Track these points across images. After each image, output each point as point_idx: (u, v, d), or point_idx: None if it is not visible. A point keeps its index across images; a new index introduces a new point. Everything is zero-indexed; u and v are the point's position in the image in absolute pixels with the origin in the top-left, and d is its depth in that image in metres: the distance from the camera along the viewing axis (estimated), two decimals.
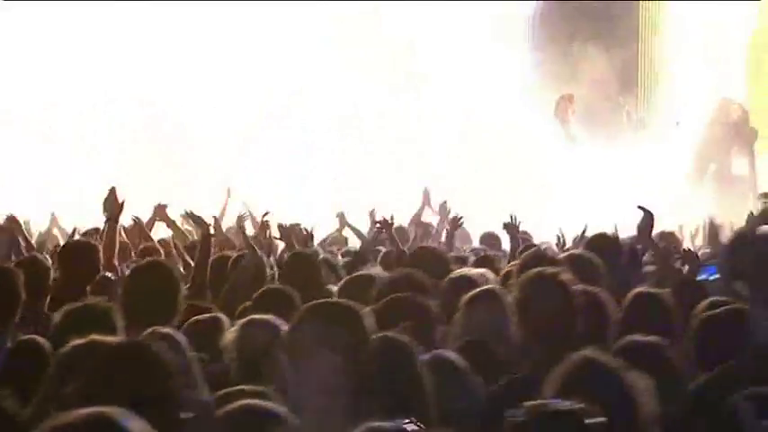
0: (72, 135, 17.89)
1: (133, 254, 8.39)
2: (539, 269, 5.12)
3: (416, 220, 10.74)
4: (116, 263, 7.33)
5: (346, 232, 11.46)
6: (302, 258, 7.17)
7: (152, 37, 18.07)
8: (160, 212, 10.80)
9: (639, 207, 7.67)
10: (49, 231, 11.84)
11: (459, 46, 17.80)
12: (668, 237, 9.08)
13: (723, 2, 17.81)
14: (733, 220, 9.73)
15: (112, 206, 7.11)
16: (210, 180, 16.98)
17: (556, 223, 9.78)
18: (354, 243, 10.81)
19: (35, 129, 17.82)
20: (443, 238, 9.78)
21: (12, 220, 8.60)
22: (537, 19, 18.30)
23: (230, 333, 4.45)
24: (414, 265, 6.38)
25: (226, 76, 18.14)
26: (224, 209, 11.64)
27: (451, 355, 4.29)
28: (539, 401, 3.07)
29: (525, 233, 9.35)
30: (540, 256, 6.49)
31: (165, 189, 15.66)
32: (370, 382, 3.58)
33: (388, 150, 17.54)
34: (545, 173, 16.41)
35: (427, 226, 11.01)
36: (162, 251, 8.41)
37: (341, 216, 11.35)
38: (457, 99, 17.85)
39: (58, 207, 14.63)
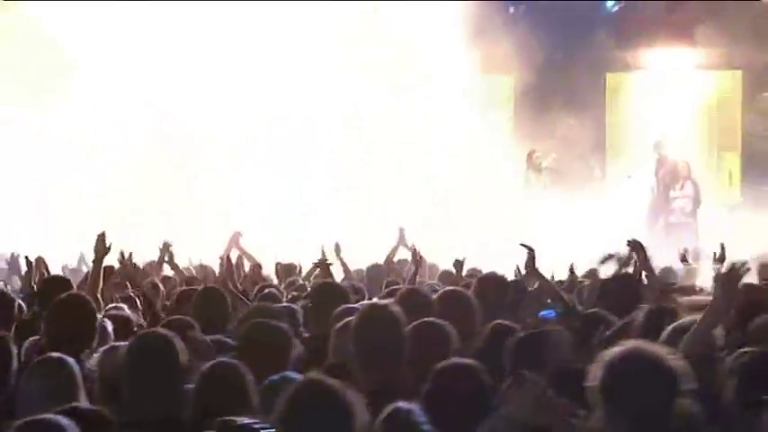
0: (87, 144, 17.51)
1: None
2: (372, 302, 5.75)
3: (389, 258, 10.67)
4: (99, 297, 7.68)
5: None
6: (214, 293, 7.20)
7: (156, 43, 17.67)
8: (235, 240, 11.10)
9: (522, 244, 7.81)
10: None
11: (450, 105, 17.73)
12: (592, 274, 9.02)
13: (677, 74, 18.55)
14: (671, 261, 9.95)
15: (99, 249, 7.35)
16: (217, 180, 17.05)
17: (519, 260, 9.32)
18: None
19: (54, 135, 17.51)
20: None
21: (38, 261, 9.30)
22: (518, 86, 18.78)
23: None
24: (315, 298, 6.66)
25: (229, 80, 17.76)
26: (228, 250, 11.08)
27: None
28: (227, 418, 3.71)
29: (476, 270, 9.25)
30: (415, 292, 6.62)
31: (178, 193, 16.42)
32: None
33: (374, 192, 16.92)
34: (516, 216, 16.14)
35: (399, 263, 10.93)
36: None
37: (336, 247, 10.89)
38: (444, 148, 17.63)
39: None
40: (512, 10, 18.46)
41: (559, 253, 10.91)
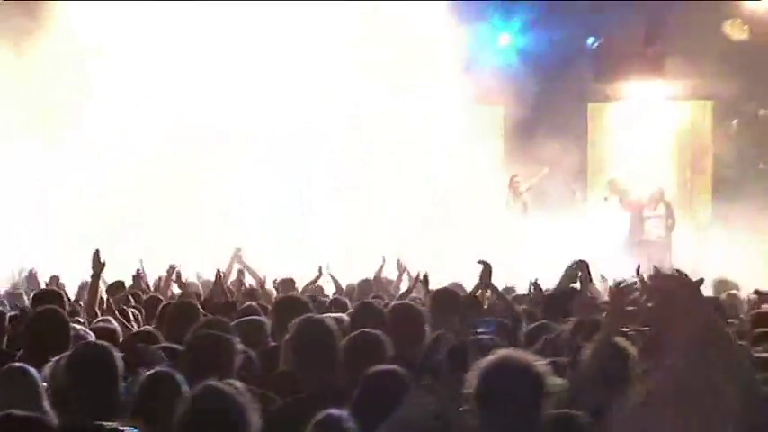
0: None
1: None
2: (307, 315, 5.75)
3: (377, 275, 10.66)
4: (96, 310, 7.87)
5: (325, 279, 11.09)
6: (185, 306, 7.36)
7: (161, 47, 17.67)
8: (238, 259, 11.18)
9: (479, 261, 8.03)
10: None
11: (443, 132, 18.01)
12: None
13: (653, 104, 18.89)
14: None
15: (96, 266, 7.55)
16: (219, 180, 17.12)
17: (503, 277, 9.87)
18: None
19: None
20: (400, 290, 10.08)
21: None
22: (507, 116, 19.13)
23: None
24: (276, 310, 6.84)
25: (232, 82, 17.69)
26: (230, 267, 11.23)
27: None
28: (97, 423, 3.98)
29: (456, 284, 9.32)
30: (368, 305, 6.89)
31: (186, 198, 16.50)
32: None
33: (371, 197, 16.98)
34: (502, 234, 16.42)
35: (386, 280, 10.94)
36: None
37: (320, 268, 10.91)
38: (440, 167, 17.82)
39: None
40: (501, 44, 18.77)
41: (539, 268, 11.26)
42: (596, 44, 18.62)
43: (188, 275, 10.95)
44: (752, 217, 16.54)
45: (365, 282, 10.31)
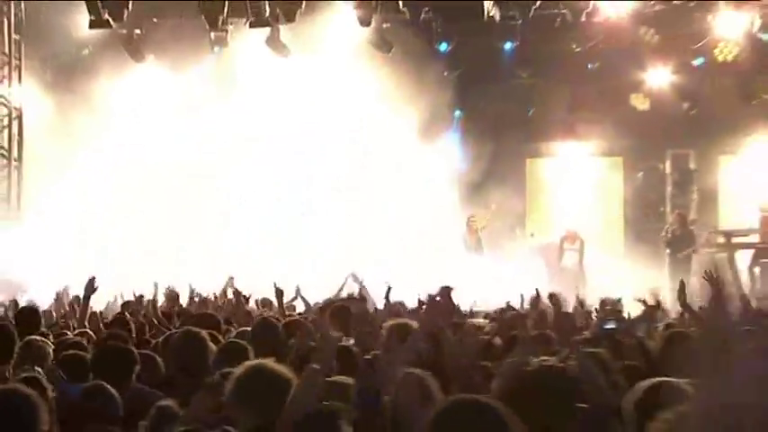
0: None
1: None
2: (186, 328, 5.99)
3: (337, 295, 9.94)
4: (85, 323, 8.08)
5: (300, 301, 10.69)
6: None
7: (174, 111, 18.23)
8: (231, 284, 10.93)
9: (444, 287, 7.31)
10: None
11: (411, 181, 18.55)
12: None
13: (578, 159, 19.68)
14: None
15: (88, 289, 7.75)
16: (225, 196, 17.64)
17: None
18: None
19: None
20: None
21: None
22: (463, 169, 19.33)
23: None
24: (195, 323, 6.57)
25: (244, 109, 18.17)
26: (224, 290, 10.96)
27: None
28: None
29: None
30: (265, 322, 6.72)
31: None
32: None
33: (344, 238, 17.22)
34: (456, 262, 16.80)
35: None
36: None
37: (297, 289, 10.51)
38: (408, 213, 18.22)
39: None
40: (457, 113, 19.46)
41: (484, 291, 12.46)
42: (531, 113, 19.23)
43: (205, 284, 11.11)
44: (653, 250, 17.76)
45: (327, 301, 9.62)
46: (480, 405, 3.16)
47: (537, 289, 8.60)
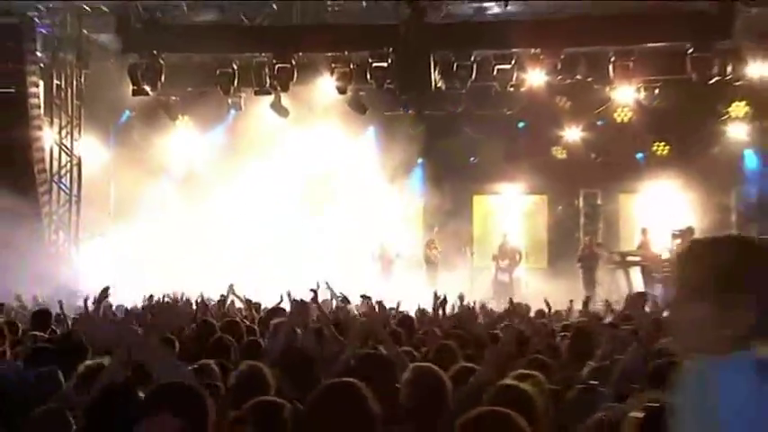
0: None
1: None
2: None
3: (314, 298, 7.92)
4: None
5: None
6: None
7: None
8: (232, 292, 10.41)
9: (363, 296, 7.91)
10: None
11: (383, 214, 18.31)
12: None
13: (513, 196, 19.61)
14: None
15: (102, 295, 6.86)
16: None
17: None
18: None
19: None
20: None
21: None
22: (426, 205, 19.49)
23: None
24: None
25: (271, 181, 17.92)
26: (228, 297, 10.41)
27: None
28: None
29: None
30: (209, 323, 6.64)
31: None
32: None
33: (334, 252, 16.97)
34: (419, 278, 16.86)
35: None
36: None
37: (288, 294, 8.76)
38: (380, 239, 18.19)
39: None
40: (419, 160, 19.28)
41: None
42: (475, 161, 19.24)
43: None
44: (569, 265, 17.62)
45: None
46: (344, 385, 3.18)
47: (444, 294, 8.42)
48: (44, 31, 16.09)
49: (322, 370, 4.61)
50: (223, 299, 10.26)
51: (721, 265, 2.04)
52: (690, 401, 2.04)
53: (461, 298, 9.44)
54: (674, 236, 17.14)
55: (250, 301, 10.07)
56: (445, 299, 8.19)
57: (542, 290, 14.96)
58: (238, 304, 10.20)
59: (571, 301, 10.72)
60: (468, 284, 16.56)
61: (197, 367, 4.52)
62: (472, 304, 10.14)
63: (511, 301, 9.52)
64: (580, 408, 3.81)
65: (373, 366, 4.14)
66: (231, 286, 10.31)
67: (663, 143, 18.25)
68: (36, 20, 15.69)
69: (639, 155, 18.61)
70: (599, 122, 18.21)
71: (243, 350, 5.54)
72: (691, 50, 14.93)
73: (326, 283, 9.45)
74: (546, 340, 6.25)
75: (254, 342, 5.77)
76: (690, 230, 16.88)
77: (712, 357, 2.03)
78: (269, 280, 12.54)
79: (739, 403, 1.96)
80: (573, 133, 18.52)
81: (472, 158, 19.32)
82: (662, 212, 18.15)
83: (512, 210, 19.90)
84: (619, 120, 17.84)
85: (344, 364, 4.49)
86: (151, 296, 10.06)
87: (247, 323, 7.60)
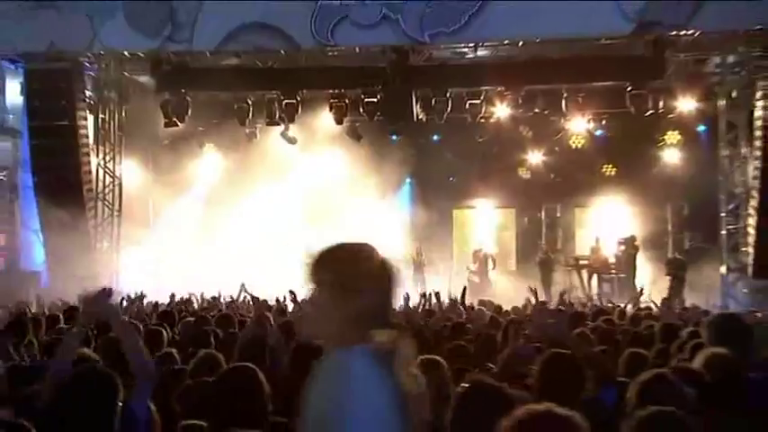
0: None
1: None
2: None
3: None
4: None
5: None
6: None
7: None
8: (244, 289, 10.07)
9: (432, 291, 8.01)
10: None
11: (377, 224, 17.53)
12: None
13: (487, 210, 19.54)
14: None
15: (137, 299, 6.64)
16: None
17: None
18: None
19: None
20: None
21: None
22: (412, 217, 19.07)
23: None
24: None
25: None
26: (240, 294, 10.30)
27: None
28: None
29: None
30: (205, 318, 6.44)
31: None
32: None
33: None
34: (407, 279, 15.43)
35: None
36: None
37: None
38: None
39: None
40: (408, 180, 19.13)
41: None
42: (454, 180, 19.38)
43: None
44: (532, 267, 17.82)
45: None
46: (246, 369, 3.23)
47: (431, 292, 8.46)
48: (92, 74, 16.44)
49: (270, 358, 4.57)
50: (231, 298, 10.28)
51: (338, 267, 2.11)
52: (321, 386, 2.02)
53: (437, 295, 9.52)
54: (620, 243, 17.57)
55: (257, 297, 9.91)
56: (430, 296, 8.23)
57: (510, 288, 15.36)
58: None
59: (527, 297, 10.56)
60: (447, 284, 16.05)
61: (162, 354, 4.60)
62: (447, 300, 10.12)
63: (462, 304, 9.55)
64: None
65: (310, 355, 3.97)
66: (243, 285, 10.20)
67: (610, 165, 18.46)
68: (85, 64, 16.01)
69: (593, 175, 18.68)
70: (556, 148, 18.40)
71: (222, 340, 5.54)
72: (629, 88, 15.13)
73: None
74: (483, 330, 6.29)
75: (234, 334, 5.71)
76: (632, 238, 17.33)
77: (341, 347, 2.04)
78: (276, 280, 11.94)
79: (360, 387, 1.95)
80: (535, 157, 18.72)
81: (451, 178, 19.42)
82: (610, 223, 18.38)
83: (485, 221, 19.99)
84: (573, 146, 18.10)
85: (289, 352, 4.41)
86: (173, 294, 10.16)
87: (249, 317, 7.26)
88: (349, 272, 2.08)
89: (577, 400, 3.00)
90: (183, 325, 6.62)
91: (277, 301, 8.98)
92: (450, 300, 9.36)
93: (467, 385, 2.87)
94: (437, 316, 7.61)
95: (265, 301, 9.25)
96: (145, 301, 9.48)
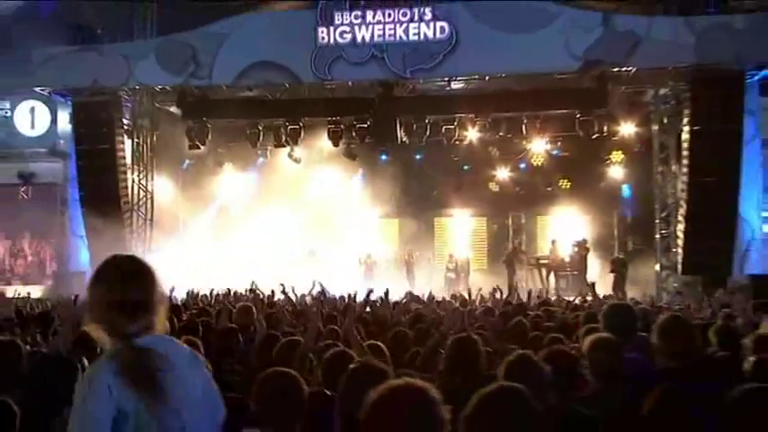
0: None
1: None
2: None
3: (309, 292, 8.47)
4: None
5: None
6: None
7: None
8: (254, 286, 9.68)
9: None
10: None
11: (369, 234, 18.27)
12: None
13: (465, 218, 19.15)
14: None
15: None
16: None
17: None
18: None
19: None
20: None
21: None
22: (400, 225, 19.04)
23: None
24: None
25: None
26: (251, 288, 9.84)
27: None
28: None
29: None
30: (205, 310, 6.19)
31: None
32: None
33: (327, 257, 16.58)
34: (399, 278, 16.32)
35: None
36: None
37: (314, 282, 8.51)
38: (368, 251, 17.74)
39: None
40: (396, 193, 18.24)
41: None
42: (436, 193, 19.07)
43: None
44: (501, 267, 17.36)
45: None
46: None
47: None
48: (128, 105, 16.62)
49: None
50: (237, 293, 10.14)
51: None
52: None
53: (410, 294, 9.54)
54: (573, 245, 17.69)
55: (262, 293, 9.64)
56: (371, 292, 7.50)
57: (482, 283, 14.83)
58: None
59: (491, 292, 10.25)
60: (428, 281, 16.82)
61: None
62: (425, 295, 10.07)
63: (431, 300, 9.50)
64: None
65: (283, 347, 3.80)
66: (253, 282, 10.11)
67: (565, 180, 18.40)
68: (123, 97, 16.27)
69: (550, 188, 18.59)
70: (520, 165, 18.37)
71: (214, 330, 5.43)
72: (579, 115, 15.26)
73: (319, 282, 8.60)
74: (436, 317, 6.12)
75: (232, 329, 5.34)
76: (584, 241, 17.55)
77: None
78: (282, 279, 11.19)
79: (96, 390, 1.86)
80: (502, 173, 18.68)
81: (434, 192, 19.29)
82: (565, 229, 18.35)
83: (461, 227, 19.88)
84: (534, 163, 18.02)
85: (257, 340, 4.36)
86: (191, 291, 10.04)
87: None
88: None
89: (478, 377, 3.10)
90: (188, 316, 6.55)
91: (272, 293, 8.99)
92: (409, 294, 9.42)
93: (355, 365, 2.81)
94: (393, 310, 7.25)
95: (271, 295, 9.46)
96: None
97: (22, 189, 16.96)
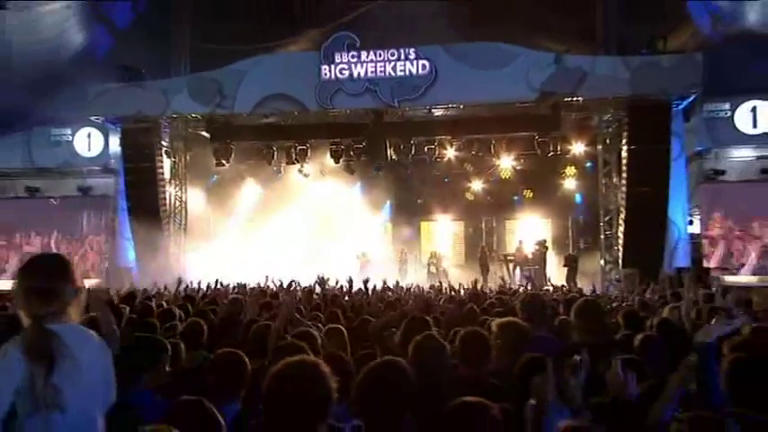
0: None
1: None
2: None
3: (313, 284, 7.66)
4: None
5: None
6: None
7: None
8: (268, 279, 9.51)
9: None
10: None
11: (367, 235, 17.91)
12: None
13: (446, 222, 19.15)
14: None
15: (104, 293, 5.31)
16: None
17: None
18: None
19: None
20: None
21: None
22: (393, 225, 18.86)
23: None
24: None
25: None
26: (266, 282, 9.66)
27: None
28: None
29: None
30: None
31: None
32: None
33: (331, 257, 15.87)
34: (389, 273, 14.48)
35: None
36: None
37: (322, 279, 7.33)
38: (363, 249, 17.32)
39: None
40: (388, 202, 18.46)
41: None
42: (421, 201, 19.05)
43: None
44: (475, 264, 17.28)
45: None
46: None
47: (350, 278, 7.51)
48: (167, 130, 16.63)
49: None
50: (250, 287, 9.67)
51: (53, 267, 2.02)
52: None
53: (397, 283, 9.63)
54: (535, 244, 17.50)
55: (275, 285, 9.49)
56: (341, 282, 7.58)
57: (459, 277, 14.92)
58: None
59: (474, 282, 9.83)
60: (414, 275, 17.25)
61: (146, 321, 4.31)
62: (407, 287, 10.08)
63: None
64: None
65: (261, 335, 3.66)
66: (267, 277, 9.97)
67: (529, 190, 18.40)
68: (162, 123, 16.28)
69: (516, 197, 18.65)
70: (491, 178, 18.31)
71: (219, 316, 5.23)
72: (537, 137, 15.35)
73: (321, 276, 7.89)
74: (405, 304, 5.68)
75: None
76: (543, 241, 17.69)
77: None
78: (291, 274, 10.52)
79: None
80: (476, 185, 18.65)
81: (419, 200, 19.27)
82: (528, 231, 18.39)
83: (443, 230, 19.84)
84: (503, 177, 17.86)
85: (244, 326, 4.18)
86: (212, 282, 9.58)
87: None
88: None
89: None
90: (201, 304, 6.32)
91: (281, 285, 8.84)
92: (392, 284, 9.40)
93: (282, 344, 2.82)
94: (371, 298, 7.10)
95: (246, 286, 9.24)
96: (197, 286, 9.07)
97: (52, 199, 16.96)
